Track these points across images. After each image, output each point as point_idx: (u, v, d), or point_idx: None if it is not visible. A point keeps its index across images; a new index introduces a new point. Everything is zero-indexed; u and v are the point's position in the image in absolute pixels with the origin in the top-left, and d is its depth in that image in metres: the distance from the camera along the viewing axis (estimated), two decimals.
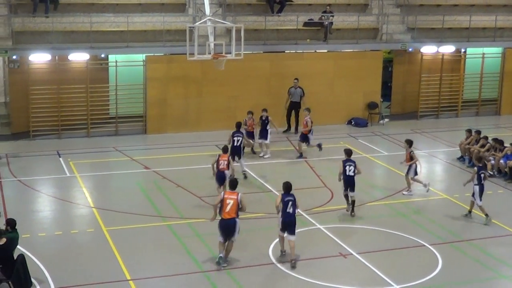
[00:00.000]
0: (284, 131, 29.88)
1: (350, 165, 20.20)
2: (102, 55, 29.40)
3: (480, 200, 20.14)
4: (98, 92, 29.31)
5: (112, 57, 29.62)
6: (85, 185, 22.92)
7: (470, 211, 20.68)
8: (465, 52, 35.36)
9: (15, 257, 14.95)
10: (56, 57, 28.44)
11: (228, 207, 16.78)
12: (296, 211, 17.23)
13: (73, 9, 30.02)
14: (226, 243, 16.98)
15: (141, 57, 29.72)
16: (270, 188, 22.77)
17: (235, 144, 23.56)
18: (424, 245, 18.39)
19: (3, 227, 15.39)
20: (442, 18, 33.84)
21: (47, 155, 26.24)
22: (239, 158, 23.68)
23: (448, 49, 33.95)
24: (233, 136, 23.66)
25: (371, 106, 32.63)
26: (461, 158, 26.42)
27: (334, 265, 17.36)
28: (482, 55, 35.06)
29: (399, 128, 31.75)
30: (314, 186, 23.22)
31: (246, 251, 17.80)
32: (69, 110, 28.82)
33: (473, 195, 20.34)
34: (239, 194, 16.94)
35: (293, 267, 16.94)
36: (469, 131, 26.56)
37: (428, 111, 34.52)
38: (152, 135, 29.43)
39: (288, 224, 17.05)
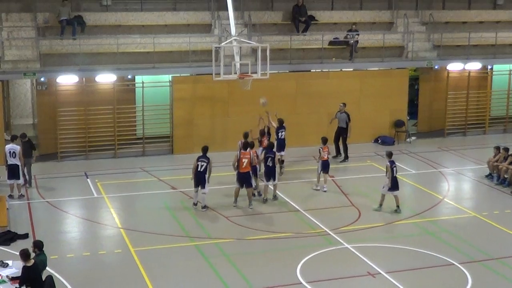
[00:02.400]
0: (334, 157, 28.89)
1: (282, 131, 26.28)
2: (129, 76, 29.60)
3: (388, 190, 22.27)
4: (125, 113, 29.50)
5: (138, 78, 29.82)
6: (113, 205, 23.01)
7: (398, 206, 22.32)
8: (491, 68, 35.16)
9: (43, 278, 15.00)
10: (83, 79, 28.68)
11: (244, 164, 22.27)
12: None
13: (99, 31, 30.32)
14: (243, 189, 22.55)
15: (167, 77, 29.89)
16: (298, 207, 22.72)
17: (199, 169, 22.23)
18: (454, 264, 18.20)
19: (31, 249, 15.42)
20: (468, 35, 33.67)
21: (75, 176, 26.39)
22: (203, 187, 22.24)
23: (474, 66, 33.74)
24: (197, 160, 22.36)
25: (398, 124, 32.51)
26: (489, 176, 26.18)
27: (362, 285, 17.22)
28: (509, 72, 34.84)
29: (426, 146, 31.59)
30: (341, 205, 23.14)
31: (274, 270, 17.74)
32: (96, 131, 29.03)
33: (383, 186, 22.42)
34: (251, 153, 22.53)
35: (275, 198, 23.34)
36: (497, 148, 26.35)
37: (455, 128, 34.32)
38: (179, 155, 29.51)
39: (271, 173, 23.10)
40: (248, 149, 22.60)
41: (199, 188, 22.29)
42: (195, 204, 22.64)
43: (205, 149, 22.51)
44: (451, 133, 33.99)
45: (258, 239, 19.83)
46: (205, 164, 22.19)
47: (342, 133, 29.18)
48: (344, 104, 29.13)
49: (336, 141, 29.47)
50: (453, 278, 17.51)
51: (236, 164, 22.44)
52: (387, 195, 22.35)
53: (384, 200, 22.44)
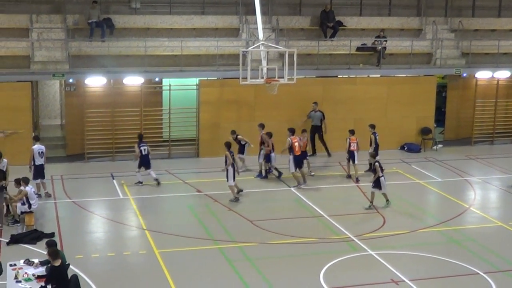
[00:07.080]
0: (311, 155, 29.29)
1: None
2: (156, 79, 29.75)
3: (372, 188, 23.34)
4: (151, 115, 29.65)
5: (166, 81, 29.97)
6: (138, 207, 23.12)
7: (371, 202, 23.27)
8: None
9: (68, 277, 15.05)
10: (111, 81, 28.87)
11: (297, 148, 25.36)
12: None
13: (128, 34, 30.52)
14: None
15: (194, 81, 29.99)
16: (322, 213, 22.69)
17: (144, 153, 25.28)
18: (478, 273, 18.06)
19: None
20: (497, 43, 33.47)
21: (101, 177, 26.56)
22: (149, 168, 25.43)
23: (503, 74, 33.46)
24: (139, 146, 25.35)
25: (425, 131, 32.36)
26: None
27: None
28: None
29: (452, 154, 31.40)
30: (366, 212, 23.06)
31: (297, 275, 17.72)
32: (123, 133, 29.17)
33: (378, 186, 23.06)
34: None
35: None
36: None
37: (483, 137, 34.07)
38: (204, 158, 29.60)
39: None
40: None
41: (143, 169, 25.36)
42: (157, 180, 25.57)
43: (141, 136, 25.78)
44: (478, 141, 33.76)
45: (281, 244, 19.83)
46: (146, 147, 25.43)
47: (317, 131, 29.97)
48: (316, 103, 29.73)
49: (312, 140, 30.00)
50: (477, 287, 17.39)
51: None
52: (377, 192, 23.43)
53: (374, 197, 23.38)
